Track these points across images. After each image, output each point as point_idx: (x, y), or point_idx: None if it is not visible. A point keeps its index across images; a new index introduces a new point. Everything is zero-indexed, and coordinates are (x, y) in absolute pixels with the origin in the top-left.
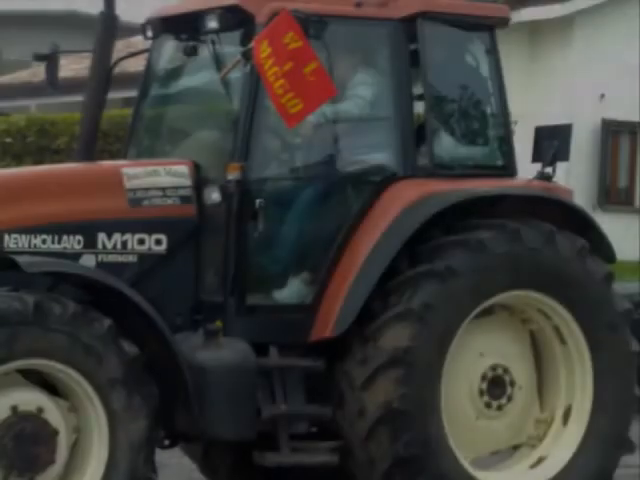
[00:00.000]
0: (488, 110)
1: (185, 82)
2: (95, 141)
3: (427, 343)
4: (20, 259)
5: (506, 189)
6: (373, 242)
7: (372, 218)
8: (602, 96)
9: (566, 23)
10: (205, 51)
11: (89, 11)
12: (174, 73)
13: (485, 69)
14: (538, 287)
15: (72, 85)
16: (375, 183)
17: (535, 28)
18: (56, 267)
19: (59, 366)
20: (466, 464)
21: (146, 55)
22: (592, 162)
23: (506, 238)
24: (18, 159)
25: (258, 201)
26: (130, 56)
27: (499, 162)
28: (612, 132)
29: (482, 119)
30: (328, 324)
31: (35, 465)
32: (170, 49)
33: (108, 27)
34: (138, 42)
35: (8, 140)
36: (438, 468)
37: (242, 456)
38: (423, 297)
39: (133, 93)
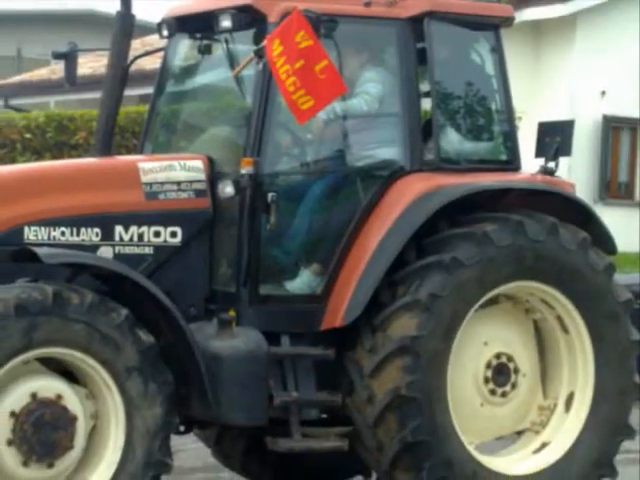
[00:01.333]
0: (493, 107)
1: (199, 80)
2: (112, 137)
3: (434, 332)
4: (39, 250)
5: (510, 183)
6: (382, 234)
7: (380, 211)
8: (603, 93)
9: (568, 22)
10: (219, 49)
11: (107, 10)
12: (189, 71)
13: (490, 67)
14: (541, 278)
15: (90, 82)
16: (383, 177)
17: (538, 27)
18: (74, 258)
19: (78, 354)
20: (471, 449)
21: (161, 53)
22: (593, 157)
23: (510, 230)
24: (38, 154)
25: (270, 195)
26: (146, 54)
27: (504, 157)
28: (613, 128)
29: (487, 115)
30: (338, 314)
31: (54, 450)
32: (185, 47)
33: (125, 26)
34: (154, 41)
35: (28, 136)
36: (445, 453)
37: (254, 442)
38: (430, 288)
39: (149, 90)
